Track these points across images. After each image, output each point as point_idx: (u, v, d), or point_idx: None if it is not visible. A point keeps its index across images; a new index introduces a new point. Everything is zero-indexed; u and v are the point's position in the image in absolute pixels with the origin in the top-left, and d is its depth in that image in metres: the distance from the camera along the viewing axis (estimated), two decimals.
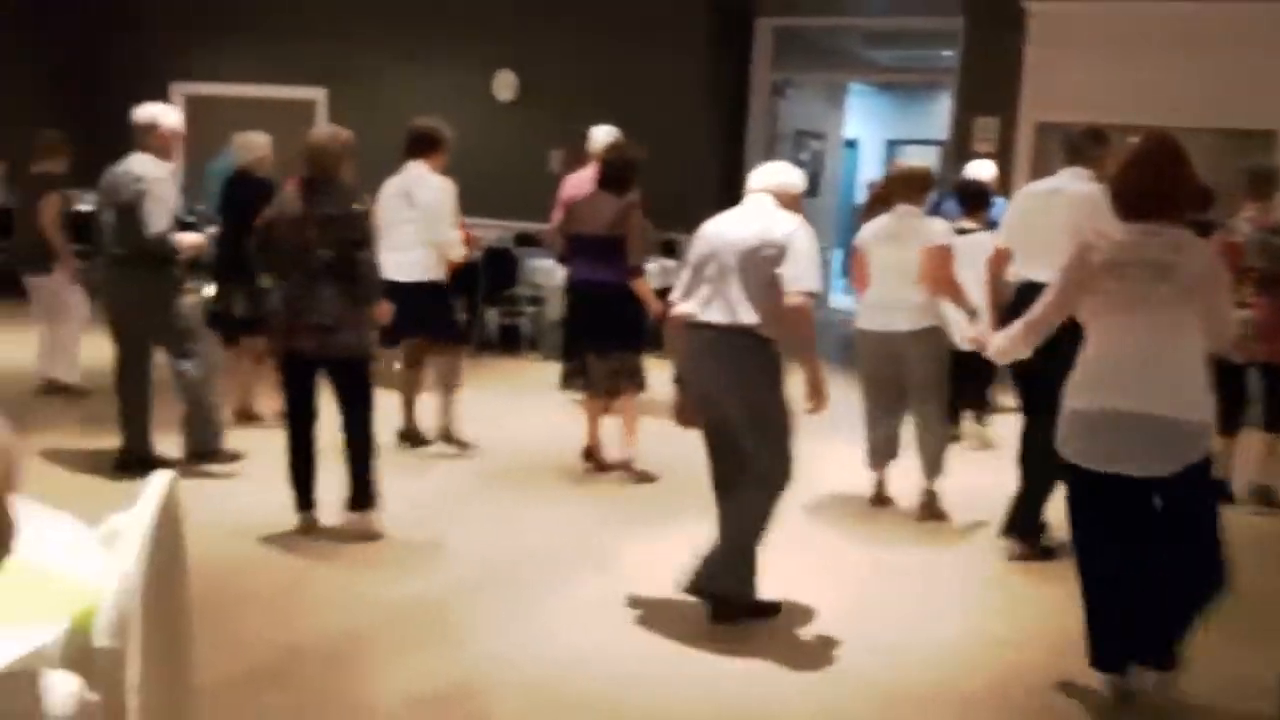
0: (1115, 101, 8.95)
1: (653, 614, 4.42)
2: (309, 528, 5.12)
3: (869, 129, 17.32)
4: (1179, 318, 3.49)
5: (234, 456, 6.00)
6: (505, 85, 11.79)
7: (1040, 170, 9.68)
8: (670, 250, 10.94)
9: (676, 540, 5.25)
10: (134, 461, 5.67)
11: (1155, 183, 3.56)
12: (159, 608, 2.34)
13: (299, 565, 4.81)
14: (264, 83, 12.39)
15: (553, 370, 9.34)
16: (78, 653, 2.20)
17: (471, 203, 9.39)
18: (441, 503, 5.76)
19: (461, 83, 11.73)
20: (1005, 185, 9.83)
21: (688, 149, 11.03)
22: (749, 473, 4.22)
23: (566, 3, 11.18)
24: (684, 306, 4.31)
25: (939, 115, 14.22)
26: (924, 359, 5.67)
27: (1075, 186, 5.01)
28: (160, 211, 5.61)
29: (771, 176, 4.44)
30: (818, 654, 4.16)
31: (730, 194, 11.53)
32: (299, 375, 5.05)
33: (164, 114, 5.91)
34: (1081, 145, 5.10)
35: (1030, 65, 9.93)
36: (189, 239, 5.88)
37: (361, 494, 5.10)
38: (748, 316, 4.18)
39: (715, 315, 4.22)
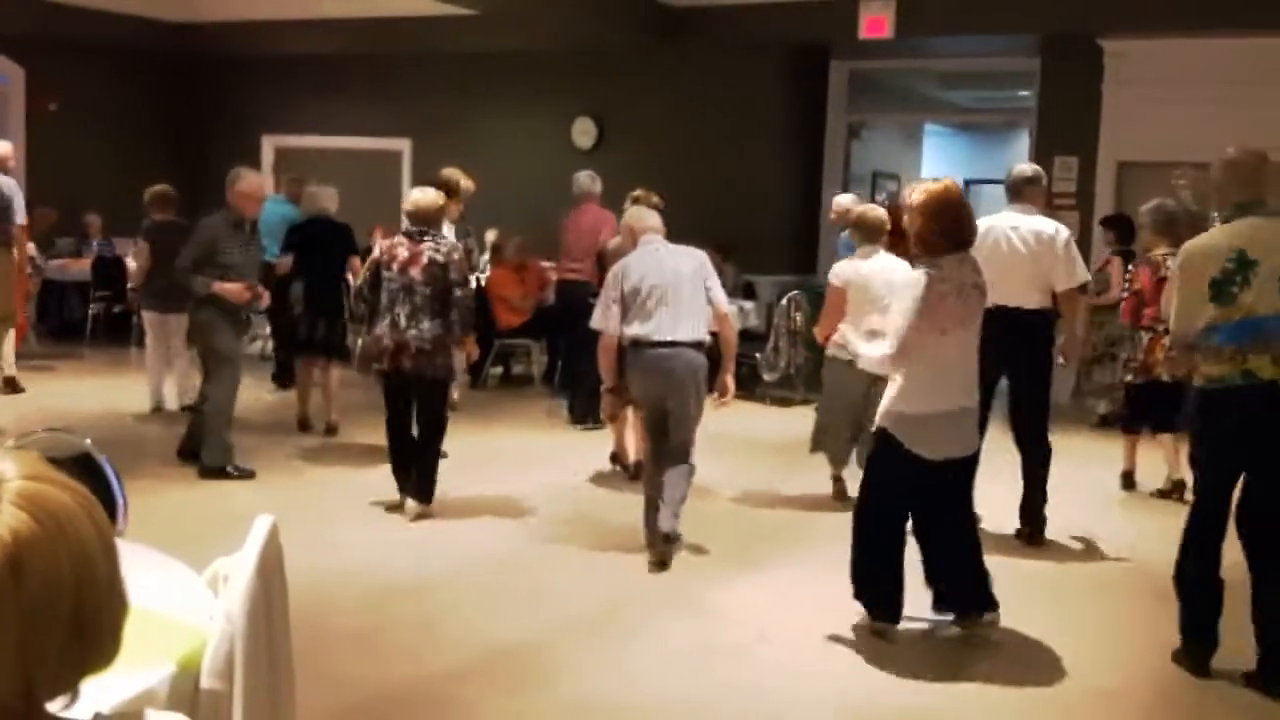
0: (1195, 138, 8.86)
1: (741, 658, 4.45)
2: (400, 505, 6.11)
3: (946, 170, 17.27)
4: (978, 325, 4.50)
5: (247, 473, 6.70)
6: (584, 132, 11.98)
7: (1122, 209, 9.61)
8: (750, 292, 11.01)
9: (762, 586, 5.31)
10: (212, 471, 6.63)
11: (967, 220, 4.44)
12: (262, 649, 2.43)
13: (389, 604, 4.90)
14: (351, 135, 12.74)
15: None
16: (184, 694, 2.29)
17: (551, 248, 9.58)
18: (532, 545, 5.84)
19: (541, 131, 11.96)
20: (1085, 225, 9.78)
21: (764, 192, 11.13)
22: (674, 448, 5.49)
23: (644, 50, 11.35)
24: (635, 329, 5.39)
25: (1017, 155, 14.16)
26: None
27: (1030, 220, 5.93)
28: (186, 252, 6.67)
29: (654, 219, 5.84)
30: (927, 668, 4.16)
31: (807, 236, 11.66)
32: (400, 390, 6.07)
33: (234, 177, 6.84)
34: (1022, 185, 6.09)
35: (1109, 104, 9.87)
36: (224, 287, 6.61)
37: (426, 489, 6.11)
38: (702, 332, 5.45)
39: (680, 334, 5.37)
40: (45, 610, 1.18)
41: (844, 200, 8.78)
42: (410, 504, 6.06)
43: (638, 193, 7.56)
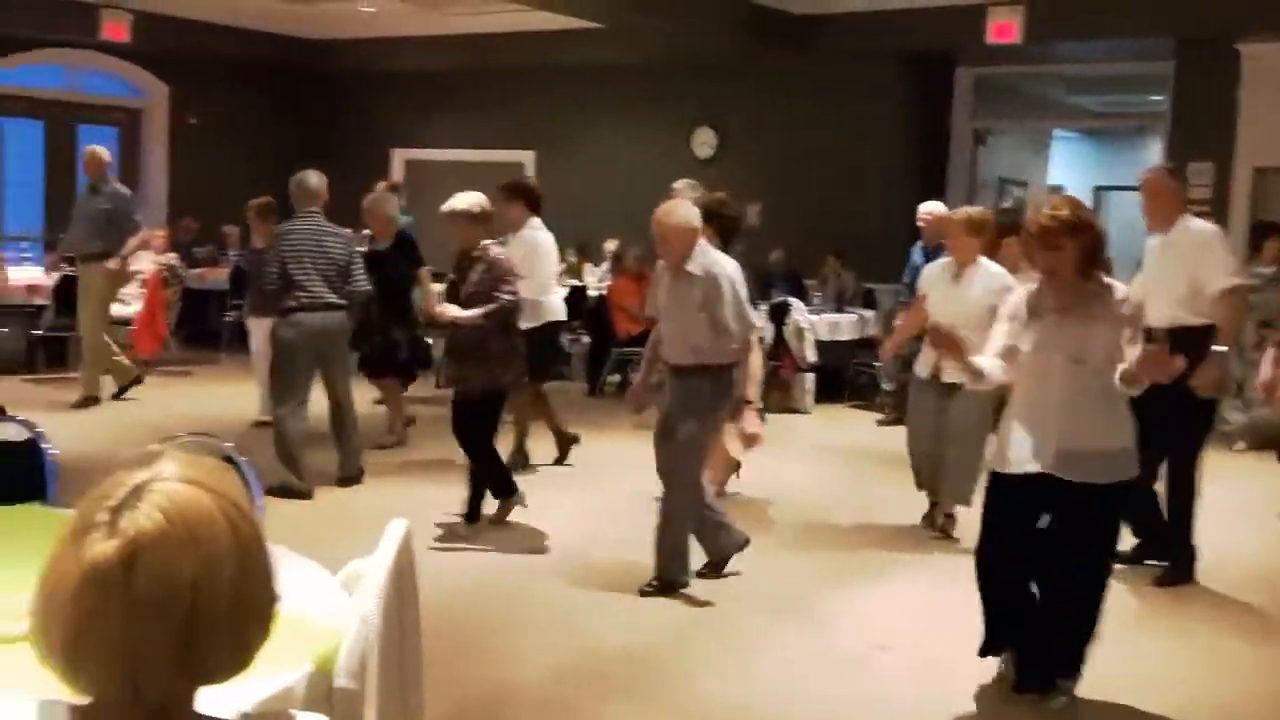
0: None
1: (860, 667, 4.43)
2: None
3: (1075, 176, 16.88)
4: None
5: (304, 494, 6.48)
6: (704, 142, 12.02)
7: (1260, 216, 9.29)
8: (869, 300, 10.92)
9: (878, 595, 5.28)
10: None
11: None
12: (394, 650, 2.52)
13: (506, 606, 5.00)
14: (476, 148, 12.99)
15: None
16: (319, 693, 2.37)
17: None
18: (644, 550, 5.89)
19: (661, 141, 12.03)
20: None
21: (885, 199, 11.01)
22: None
23: (765, 59, 11.35)
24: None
25: (1149, 161, 13.75)
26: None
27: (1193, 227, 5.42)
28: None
29: None
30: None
31: None
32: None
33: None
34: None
35: (1246, 108, 9.55)
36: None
37: (467, 505, 6.07)
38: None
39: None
40: (154, 612, 1.19)
41: (934, 208, 8.52)
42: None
43: (679, 184, 7.26)
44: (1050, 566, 4.00)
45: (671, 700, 4.13)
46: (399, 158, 13.41)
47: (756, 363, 5.27)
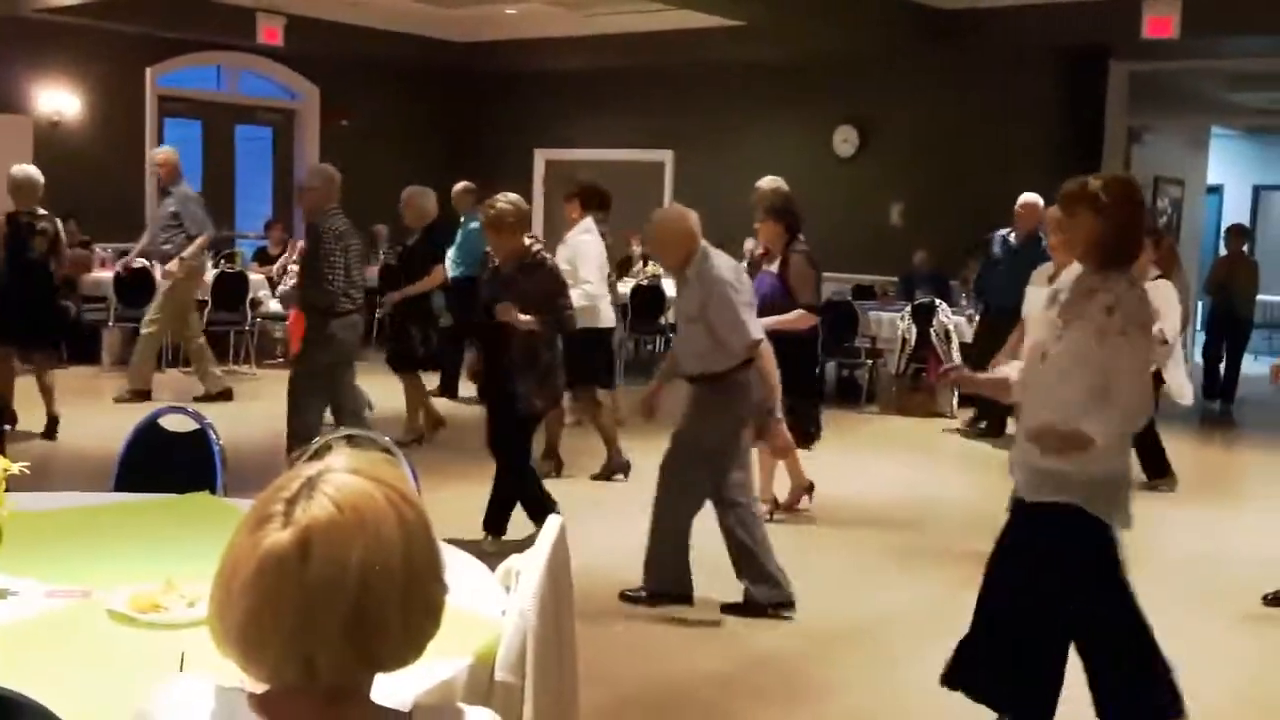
0: None
1: None
2: None
3: (1234, 174, 16.23)
4: None
5: None
6: (845, 140, 11.88)
7: None
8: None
9: None
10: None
11: None
12: (551, 645, 2.54)
13: (655, 607, 5.00)
14: (616, 147, 13.07)
15: (892, 424, 9.43)
16: (479, 685, 2.40)
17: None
18: (792, 555, 5.84)
19: (802, 140, 11.93)
20: None
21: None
22: None
23: (908, 55, 11.16)
24: None
25: None
26: None
27: None
28: None
29: None
30: None
31: None
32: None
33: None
34: None
35: None
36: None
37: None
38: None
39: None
40: (327, 595, 1.24)
41: (1029, 198, 8.34)
42: None
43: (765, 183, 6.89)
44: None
45: (820, 709, 4.10)
46: (540, 158, 13.57)
47: (772, 370, 4.93)
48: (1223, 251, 11.51)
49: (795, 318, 6.06)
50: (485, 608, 2.61)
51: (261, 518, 1.28)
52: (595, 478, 7.05)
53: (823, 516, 6.53)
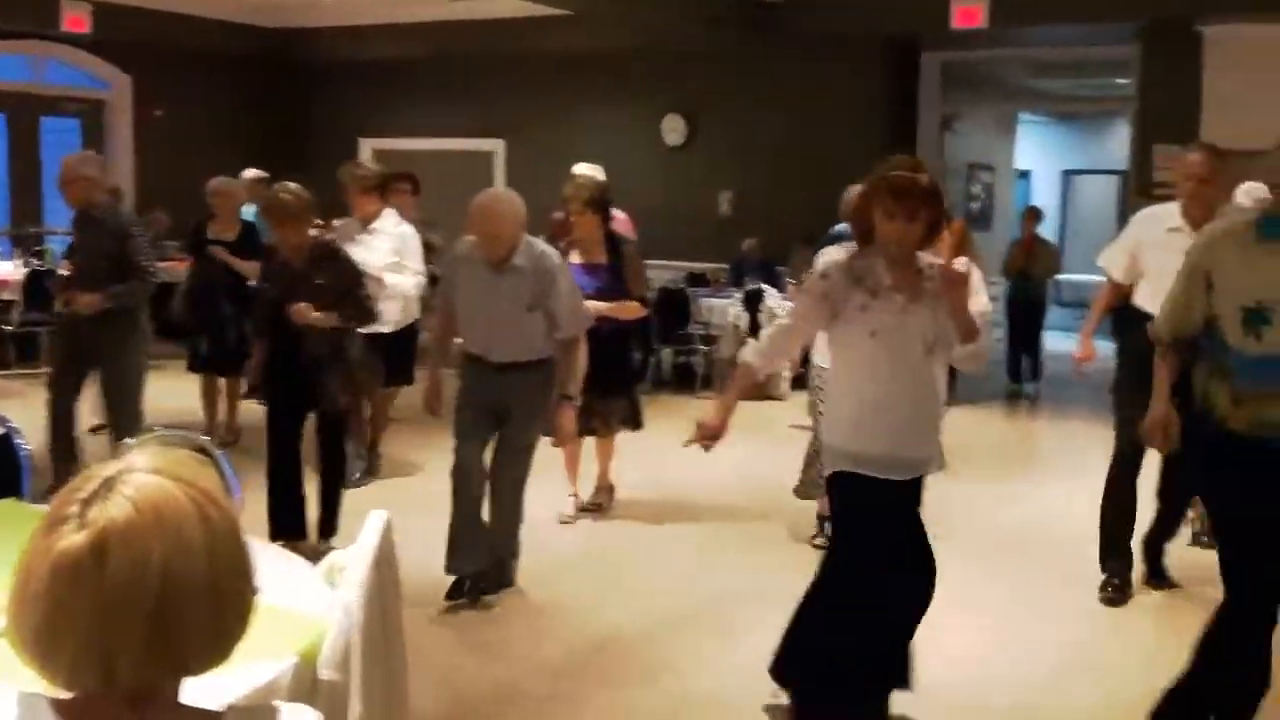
0: None
1: None
2: None
3: (1043, 160, 16.98)
4: None
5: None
6: (674, 129, 12.01)
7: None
8: None
9: None
10: None
11: None
12: (378, 642, 2.52)
13: (489, 601, 5.00)
14: (445, 136, 12.94)
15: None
16: (304, 685, 2.38)
17: (643, 244, 9.63)
18: (627, 541, 5.91)
19: (631, 129, 12.02)
20: None
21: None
22: None
23: (735, 46, 11.35)
24: None
25: (1118, 144, 13.88)
26: None
27: None
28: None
29: None
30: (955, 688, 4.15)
31: None
32: None
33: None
34: None
35: (1209, 92, 9.64)
36: None
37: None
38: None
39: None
40: (125, 598, 1.21)
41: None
42: None
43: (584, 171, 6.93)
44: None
45: (666, 690, 4.17)
46: (367, 147, 13.32)
47: (584, 357, 5.05)
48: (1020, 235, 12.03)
49: (633, 307, 6.06)
50: (309, 606, 2.58)
51: (56, 520, 1.25)
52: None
53: (661, 502, 6.61)
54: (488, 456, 4.92)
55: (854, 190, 5.81)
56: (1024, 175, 16.36)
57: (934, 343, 3.46)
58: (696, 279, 11.24)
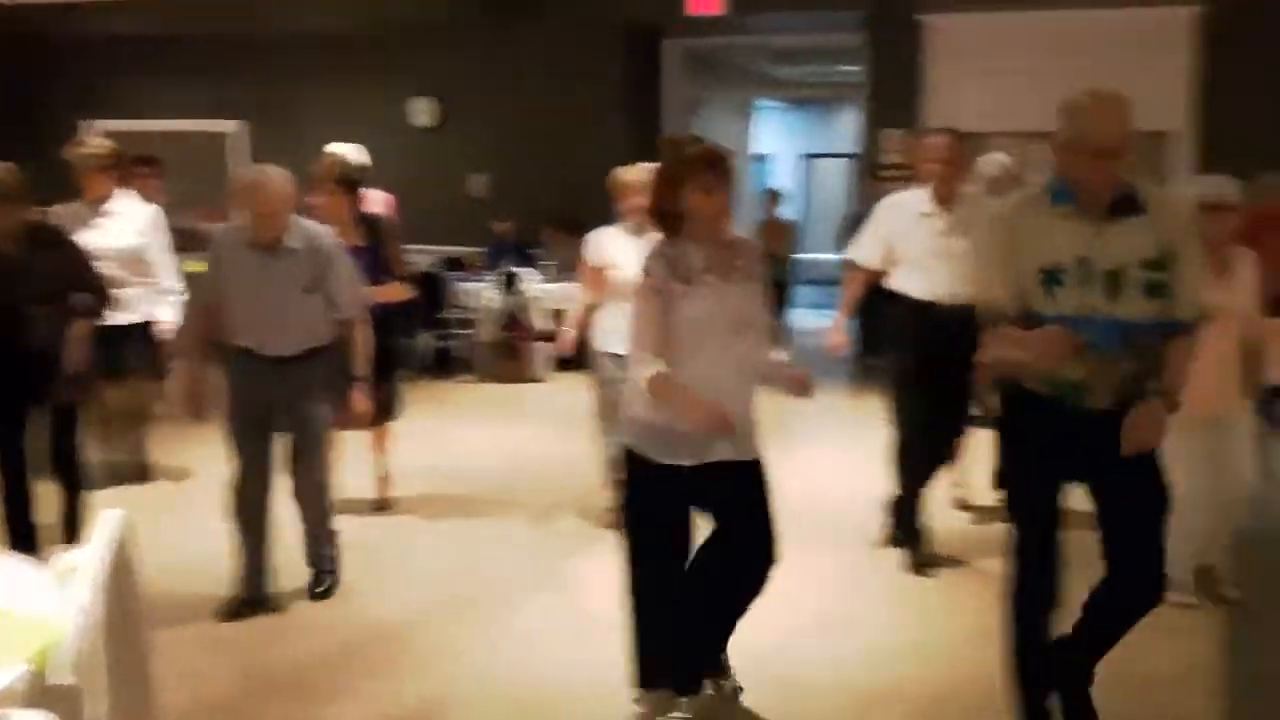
0: (1015, 110, 9.30)
1: (609, 624, 4.54)
2: None
3: (783, 144, 17.67)
4: None
5: None
6: (422, 111, 11.89)
7: None
8: None
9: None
10: None
11: None
12: (117, 643, 2.44)
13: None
14: (182, 117, 12.38)
15: (489, 392, 9.61)
16: (39, 691, 2.29)
17: (397, 228, 9.50)
18: (389, 531, 5.85)
19: (378, 110, 11.81)
20: None
21: (607, 169, 11.20)
22: None
23: (483, 28, 11.31)
24: None
25: (851, 129, 14.55)
26: None
27: None
28: None
29: None
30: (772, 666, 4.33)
31: None
32: None
33: None
34: None
35: (931, 78, 10.26)
36: None
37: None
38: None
39: None
40: None
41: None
42: None
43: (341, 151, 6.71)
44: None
45: (425, 678, 4.15)
46: (96, 128, 12.57)
47: (369, 337, 4.86)
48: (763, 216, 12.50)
49: (397, 289, 5.93)
50: (41, 609, 2.47)
51: None
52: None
53: (434, 490, 6.53)
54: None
55: (625, 172, 5.93)
56: (764, 159, 16.99)
57: (748, 323, 3.48)
58: (453, 263, 11.18)
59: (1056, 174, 3.30)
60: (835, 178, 17.37)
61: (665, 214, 3.43)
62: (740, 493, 3.58)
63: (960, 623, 4.65)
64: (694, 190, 3.34)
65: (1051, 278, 3.24)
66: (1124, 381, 3.26)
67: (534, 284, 10.28)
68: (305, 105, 12.01)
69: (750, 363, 3.52)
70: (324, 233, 4.74)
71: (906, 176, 10.43)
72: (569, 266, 10.85)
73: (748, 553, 3.59)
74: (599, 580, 5.08)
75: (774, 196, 11.94)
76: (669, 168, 3.41)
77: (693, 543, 3.65)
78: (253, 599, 4.69)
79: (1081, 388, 3.27)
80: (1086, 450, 3.31)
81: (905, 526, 5.38)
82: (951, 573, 5.24)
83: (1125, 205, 3.22)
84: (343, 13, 11.07)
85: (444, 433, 7.91)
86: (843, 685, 4.11)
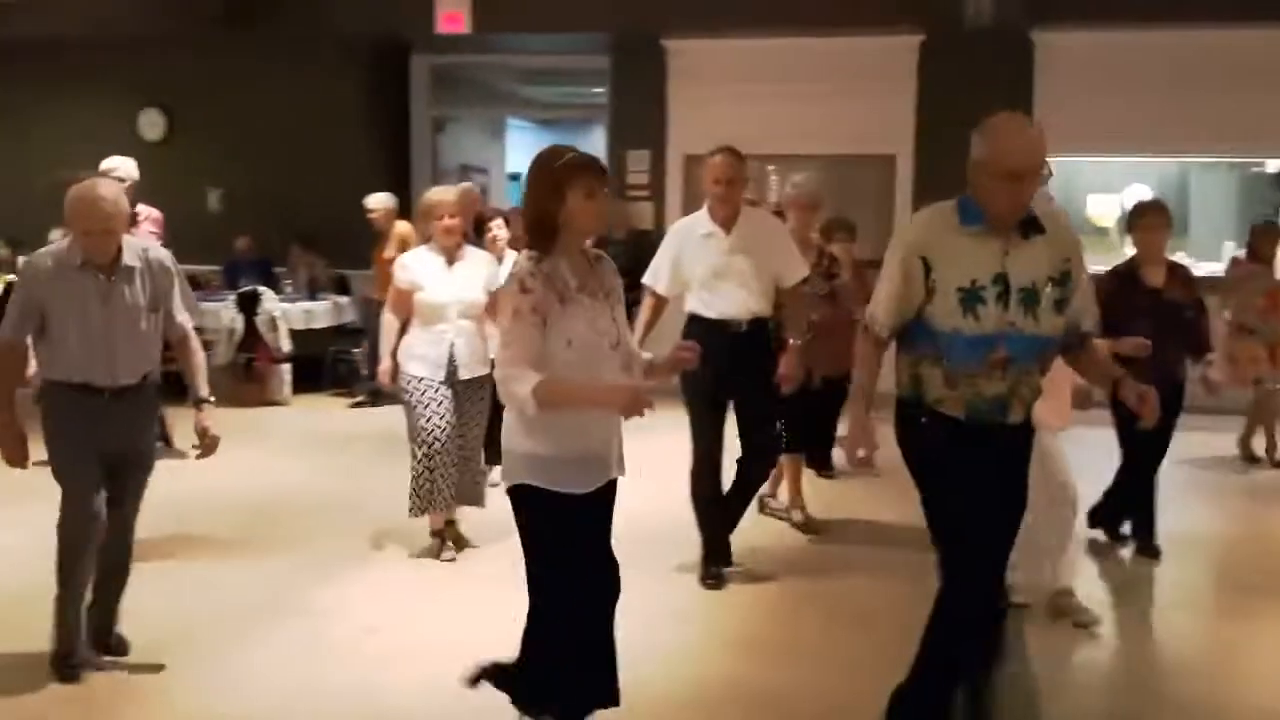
0: (752, 133, 9.67)
1: (351, 648, 4.48)
2: None
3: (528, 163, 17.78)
4: None
5: None
6: (151, 124, 11.37)
7: (693, 203, 10.33)
8: (344, 287, 10.87)
9: (366, 579, 5.34)
10: None
11: None
12: None
13: None
14: None
15: (227, 418, 9.16)
16: None
17: None
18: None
19: (104, 122, 11.23)
20: (659, 218, 10.44)
21: (351, 184, 10.99)
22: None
23: (216, 39, 10.90)
24: None
25: (594, 149, 14.73)
26: None
27: None
28: None
29: None
30: None
31: None
32: None
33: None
34: None
35: (673, 100, 10.57)
36: None
37: None
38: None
39: None
40: None
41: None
42: None
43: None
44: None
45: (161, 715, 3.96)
46: None
47: (202, 355, 4.58)
48: None
49: None
50: None
51: None
52: None
53: (175, 515, 6.22)
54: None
55: (436, 192, 5.74)
56: (516, 178, 17.06)
57: (620, 341, 3.37)
58: (189, 281, 10.70)
59: (969, 194, 3.35)
60: None
61: (543, 225, 3.31)
62: (609, 515, 3.52)
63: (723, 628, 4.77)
64: (576, 194, 3.26)
65: (973, 296, 3.30)
66: (1034, 394, 3.42)
67: (275, 303, 9.96)
68: (26, 116, 11.30)
69: (625, 380, 3.37)
70: (154, 245, 4.48)
71: (647, 198, 10.74)
72: (316, 285, 10.59)
73: (615, 581, 3.51)
74: (338, 603, 5.00)
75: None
76: (550, 173, 3.30)
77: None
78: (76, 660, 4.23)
79: (1003, 402, 3.38)
80: (1000, 464, 3.41)
81: (706, 539, 5.37)
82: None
83: (1030, 225, 3.34)
84: (72, 21, 10.46)
85: (180, 464, 7.53)
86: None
